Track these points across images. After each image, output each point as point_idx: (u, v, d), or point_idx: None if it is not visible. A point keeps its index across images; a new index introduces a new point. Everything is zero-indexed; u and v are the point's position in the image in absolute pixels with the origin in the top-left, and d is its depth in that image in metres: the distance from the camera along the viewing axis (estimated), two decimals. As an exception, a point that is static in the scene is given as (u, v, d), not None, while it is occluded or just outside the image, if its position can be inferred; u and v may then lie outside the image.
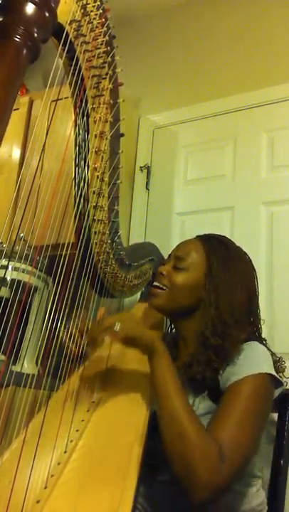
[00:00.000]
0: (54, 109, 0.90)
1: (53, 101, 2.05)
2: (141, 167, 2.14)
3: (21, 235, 1.90)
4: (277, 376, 0.96)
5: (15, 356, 1.47)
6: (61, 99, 1.95)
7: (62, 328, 0.94)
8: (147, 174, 2.13)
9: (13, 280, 1.54)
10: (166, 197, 2.08)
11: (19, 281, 1.51)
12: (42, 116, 2.09)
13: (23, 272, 1.52)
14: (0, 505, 0.68)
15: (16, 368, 1.45)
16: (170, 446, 0.84)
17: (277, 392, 0.97)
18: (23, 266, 1.52)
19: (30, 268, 1.54)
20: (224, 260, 1.08)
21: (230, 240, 1.16)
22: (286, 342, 1.58)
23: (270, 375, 0.94)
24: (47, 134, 0.90)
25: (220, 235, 1.17)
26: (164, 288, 1.10)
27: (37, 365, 1.53)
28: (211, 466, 0.80)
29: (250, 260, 1.14)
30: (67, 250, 0.89)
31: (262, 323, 1.11)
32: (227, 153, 1.99)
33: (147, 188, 2.12)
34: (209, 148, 2.04)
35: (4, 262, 1.59)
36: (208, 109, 2.08)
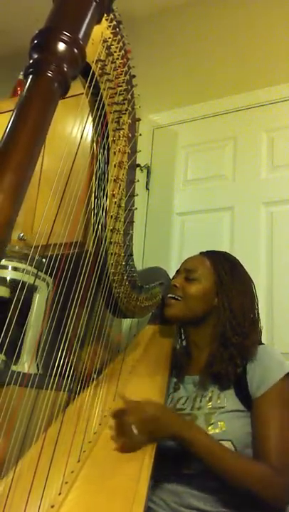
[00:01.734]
0: (87, 112, 0.94)
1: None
2: (141, 167, 2.14)
3: (21, 234, 1.90)
4: None
5: (14, 356, 1.47)
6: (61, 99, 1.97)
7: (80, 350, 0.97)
8: (147, 174, 2.13)
9: (13, 280, 1.55)
10: (166, 197, 2.08)
11: (19, 281, 1.51)
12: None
13: (23, 271, 1.52)
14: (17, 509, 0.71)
15: (16, 368, 1.45)
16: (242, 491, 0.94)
17: None
18: (23, 265, 1.52)
19: (30, 268, 1.54)
20: (230, 270, 1.19)
21: (230, 254, 1.28)
22: (286, 342, 1.59)
23: None
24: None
25: (221, 251, 1.29)
26: (179, 298, 1.18)
27: (37, 364, 1.53)
28: (274, 489, 0.92)
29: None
30: (74, 249, 0.92)
31: (262, 328, 1.19)
32: (227, 153, 1.99)
33: (147, 188, 2.12)
34: (209, 149, 2.04)
35: (7, 261, 1.59)
36: (208, 109, 2.08)
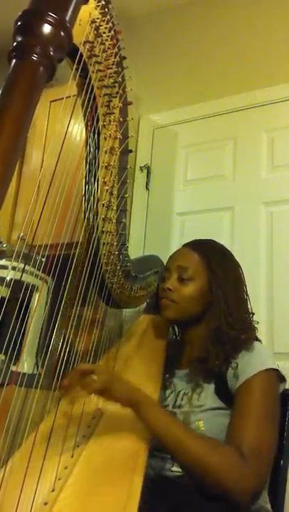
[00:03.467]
0: (74, 108, 0.91)
1: (52, 101, 2.06)
2: (141, 167, 2.14)
3: (21, 234, 1.90)
4: (280, 371, 1.00)
5: (14, 355, 1.47)
6: (61, 99, 1.97)
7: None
8: (147, 174, 2.13)
9: (12, 280, 1.54)
10: (166, 197, 2.07)
11: (19, 281, 1.51)
12: (42, 115, 2.09)
13: (23, 271, 1.52)
14: (9, 507, 0.69)
15: (16, 368, 1.45)
16: (201, 478, 0.86)
17: (281, 387, 1.01)
18: (23, 265, 1.52)
19: (29, 268, 1.54)
20: (221, 260, 1.14)
21: (213, 240, 1.22)
22: (286, 342, 1.58)
23: (275, 370, 0.99)
24: (66, 136, 0.91)
25: (206, 240, 1.22)
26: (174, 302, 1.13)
27: (36, 364, 1.53)
28: (239, 476, 0.84)
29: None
30: (70, 250, 0.91)
31: (256, 320, 1.15)
32: (227, 153, 1.99)
33: (147, 188, 2.12)
34: (209, 149, 2.04)
35: (5, 261, 1.59)
36: (208, 109, 2.08)
